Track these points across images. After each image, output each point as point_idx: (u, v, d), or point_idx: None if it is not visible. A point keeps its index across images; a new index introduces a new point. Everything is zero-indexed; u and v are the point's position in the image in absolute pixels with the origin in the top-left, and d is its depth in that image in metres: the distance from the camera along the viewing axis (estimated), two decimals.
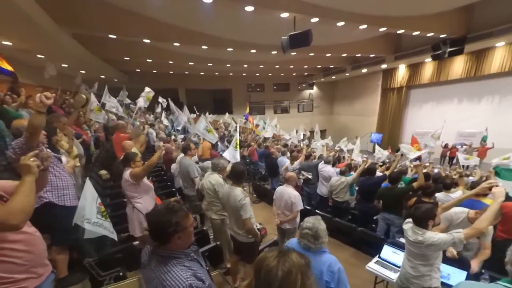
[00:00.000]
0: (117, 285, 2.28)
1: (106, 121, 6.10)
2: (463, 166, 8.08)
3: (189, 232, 1.31)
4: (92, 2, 7.32)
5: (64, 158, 2.69)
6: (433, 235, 2.04)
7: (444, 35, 10.48)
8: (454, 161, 10.69)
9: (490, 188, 2.53)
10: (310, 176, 5.13)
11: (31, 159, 1.34)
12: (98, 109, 5.93)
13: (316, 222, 1.82)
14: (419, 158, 8.04)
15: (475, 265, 2.68)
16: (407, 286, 2.20)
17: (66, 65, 10.07)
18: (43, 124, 1.92)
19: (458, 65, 12.42)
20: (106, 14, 7.83)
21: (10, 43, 6.89)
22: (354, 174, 4.83)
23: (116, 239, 2.59)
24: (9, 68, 5.25)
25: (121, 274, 2.39)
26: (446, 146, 11.84)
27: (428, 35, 10.36)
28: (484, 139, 10.58)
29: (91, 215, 2.39)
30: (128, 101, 9.98)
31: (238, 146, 4.60)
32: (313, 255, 1.70)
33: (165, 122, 8.87)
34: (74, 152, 3.42)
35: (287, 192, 3.32)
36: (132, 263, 2.59)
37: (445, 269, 2.50)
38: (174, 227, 1.22)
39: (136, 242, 2.82)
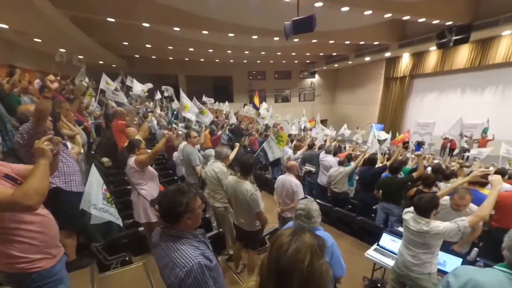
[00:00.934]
0: (123, 269, 2.37)
1: (91, 105, 6.00)
2: (462, 157, 8.12)
3: (198, 214, 1.37)
4: None
5: (69, 145, 2.70)
6: (439, 224, 2.07)
7: (450, 22, 10.24)
8: (454, 152, 10.72)
9: (482, 176, 2.59)
10: (313, 169, 5.15)
11: (45, 143, 1.37)
12: (89, 94, 5.93)
13: (308, 203, 1.92)
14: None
15: (461, 247, 2.74)
16: (406, 273, 2.25)
17: (63, 50, 9.86)
18: (49, 109, 1.94)
19: (463, 54, 12.22)
20: None
21: (6, 26, 6.73)
22: (352, 164, 4.86)
23: (121, 225, 2.65)
24: None
25: (127, 258, 2.47)
26: (446, 138, 11.84)
27: (434, 22, 10.14)
28: (485, 131, 10.55)
29: (97, 201, 2.45)
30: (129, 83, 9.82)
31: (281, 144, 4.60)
32: None
33: (158, 110, 8.82)
34: (79, 139, 3.43)
35: (289, 181, 3.36)
36: (137, 248, 2.68)
37: (441, 256, 2.57)
38: (184, 207, 1.27)
39: (141, 228, 2.88)
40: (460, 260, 2.59)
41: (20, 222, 1.33)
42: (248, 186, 2.60)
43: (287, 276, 0.82)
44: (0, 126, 3.11)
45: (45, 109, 1.88)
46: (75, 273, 2.15)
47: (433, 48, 12.71)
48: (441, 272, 2.49)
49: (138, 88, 8.37)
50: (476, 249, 3.15)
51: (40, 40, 8.55)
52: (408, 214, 2.27)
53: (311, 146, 5.74)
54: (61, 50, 9.30)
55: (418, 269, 2.18)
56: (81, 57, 10.51)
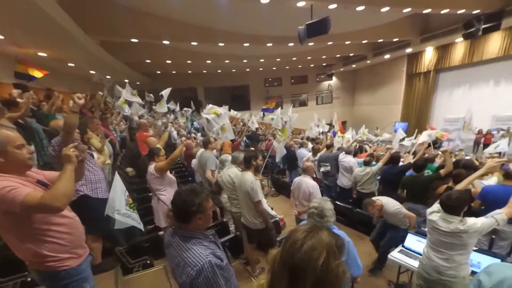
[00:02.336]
0: (145, 272, 2.46)
1: (130, 113, 6.49)
2: (499, 153, 7.41)
3: (209, 215, 1.41)
4: (115, 8, 7.72)
5: (95, 154, 2.91)
6: (475, 221, 1.94)
7: (478, 11, 9.57)
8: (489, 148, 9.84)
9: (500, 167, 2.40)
10: (328, 168, 5.06)
11: (71, 150, 1.50)
12: (123, 102, 6.46)
13: (322, 201, 1.88)
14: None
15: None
16: (437, 278, 2.08)
17: (93, 72, 10.75)
18: (77, 123, 2.12)
19: (494, 43, 11.36)
20: (128, 19, 8.21)
21: (45, 54, 7.51)
22: (379, 164, 4.67)
23: (143, 229, 2.77)
24: (39, 74, 5.69)
25: (148, 262, 2.57)
26: (480, 132, 10.93)
27: (459, 12, 9.53)
28: None
29: (120, 206, 2.59)
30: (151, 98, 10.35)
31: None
32: None
33: (181, 120, 9.16)
34: (106, 150, 3.69)
35: (305, 182, 3.31)
36: (158, 252, 2.77)
37: (476, 257, 2.37)
38: (196, 207, 1.31)
39: (161, 233, 2.99)
40: (499, 261, 2.36)
41: (50, 223, 1.45)
42: (249, 176, 2.67)
43: (300, 274, 0.78)
44: (38, 143, 3.48)
45: (73, 122, 2.07)
46: (101, 276, 2.28)
47: (459, 39, 11.94)
48: (475, 274, 2.29)
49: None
50: None
51: (73, 65, 9.40)
52: (434, 214, 2.10)
53: (329, 146, 5.63)
54: (91, 72, 10.17)
55: (454, 272, 2.01)
56: (109, 77, 11.38)
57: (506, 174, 3.07)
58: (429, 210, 2.20)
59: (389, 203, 3.03)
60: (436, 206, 2.16)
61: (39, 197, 1.30)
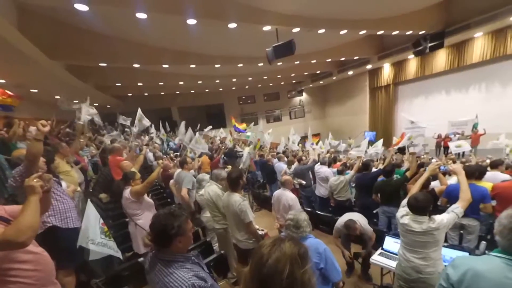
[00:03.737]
0: None
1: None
2: (458, 154, 8.21)
3: (189, 236, 1.38)
4: (82, 33, 7.56)
5: (64, 183, 2.75)
6: (442, 217, 2.10)
7: (423, 32, 10.89)
8: (449, 150, 10.82)
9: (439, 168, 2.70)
10: (303, 182, 5.23)
11: (35, 180, 1.42)
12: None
13: (297, 213, 1.99)
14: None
15: None
16: (417, 277, 2.18)
17: (58, 97, 10.21)
18: (41, 151, 2.00)
19: (441, 58, 12.82)
20: (96, 43, 8.07)
21: (4, 81, 7.05)
22: (351, 172, 4.92)
23: (121, 257, 2.62)
24: (16, 102, 5.31)
25: None
26: (439, 136, 12.04)
27: (408, 33, 10.77)
28: (475, 126, 10.79)
29: (95, 236, 2.44)
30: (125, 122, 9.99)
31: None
32: None
33: (157, 141, 8.97)
34: (75, 177, 3.49)
35: (285, 196, 3.39)
36: (139, 280, 2.60)
37: (448, 252, 2.54)
38: (176, 229, 1.28)
39: (141, 259, 2.83)
40: (467, 255, 2.56)
41: (14, 261, 1.33)
42: (236, 197, 2.67)
43: (268, 286, 0.82)
44: (0, 174, 3.19)
45: (37, 151, 1.95)
46: None
47: (411, 56, 13.35)
48: None
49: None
50: (484, 242, 3.12)
51: (36, 90, 8.89)
52: (405, 217, 2.24)
53: (299, 160, 5.84)
54: (57, 97, 9.66)
55: (432, 269, 2.13)
56: (76, 101, 10.83)
57: (466, 173, 3.35)
58: (398, 214, 2.34)
59: (363, 222, 3.24)
60: (404, 209, 2.31)
61: (0, 233, 1.21)
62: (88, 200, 2.63)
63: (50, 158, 2.79)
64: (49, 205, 1.89)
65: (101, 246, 2.45)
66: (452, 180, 4.11)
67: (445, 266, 2.37)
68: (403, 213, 2.28)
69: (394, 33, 10.42)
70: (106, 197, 4.36)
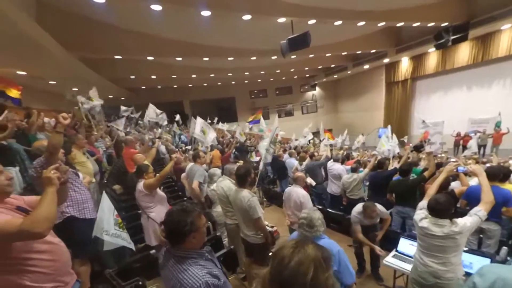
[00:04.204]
0: None
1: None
2: (482, 153, 7.83)
3: (203, 232, 1.38)
4: (97, 26, 7.68)
5: (80, 174, 2.81)
6: (465, 221, 2.00)
7: (446, 23, 10.34)
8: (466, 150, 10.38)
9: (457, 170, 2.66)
10: (313, 183, 5.14)
11: (52, 172, 1.43)
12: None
13: (310, 212, 1.90)
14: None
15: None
16: (434, 282, 2.09)
17: (76, 89, 10.50)
18: (61, 143, 2.04)
19: (464, 52, 12.17)
20: (110, 36, 8.19)
21: (25, 73, 7.29)
22: (365, 170, 4.79)
23: (134, 249, 2.67)
24: (17, 95, 5.39)
25: (140, 283, 2.45)
26: (458, 134, 11.53)
27: (429, 25, 10.26)
28: (498, 125, 10.26)
29: (109, 227, 2.49)
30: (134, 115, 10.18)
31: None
32: None
33: (167, 136, 9.05)
34: (90, 168, 3.57)
35: (296, 192, 3.34)
36: (150, 272, 2.66)
37: (467, 257, 2.44)
38: (189, 226, 1.27)
39: (153, 251, 2.89)
40: (488, 260, 2.45)
41: (32, 251, 1.35)
42: (245, 193, 2.64)
43: None
44: (20, 164, 3.32)
45: (57, 143, 1.99)
46: None
47: (431, 49, 12.75)
48: (468, 275, 2.35)
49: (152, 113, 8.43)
50: (505, 248, 2.97)
51: (54, 82, 9.16)
52: (424, 221, 2.14)
53: (311, 156, 5.73)
54: (74, 89, 9.94)
55: (452, 275, 2.04)
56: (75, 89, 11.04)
57: (489, 175, 3.20)
58: (416, 217, 2.23)
59: (380, 207, 3.17)
60: (422, 212, 2.20)
61: (18, 223, 1.23)
62: (104, 192, 2.68)
63: (67, 149, 2.86)
64: (66, 196, 1.93)
65: (115, 237, 2.50)
66: (473, 181, 3.92)
67: (465, 271, 2.31)
68: (421, 216, 2.18)
69: (415, 25, 9.93)
70: (120, 188, 4.46)
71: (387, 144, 6.79)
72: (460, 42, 10.66)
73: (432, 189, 2.48)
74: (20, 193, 3.07)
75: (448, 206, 2.05)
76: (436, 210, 2.07)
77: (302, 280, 0.77)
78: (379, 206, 3.14)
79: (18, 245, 1.30)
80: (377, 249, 3.03)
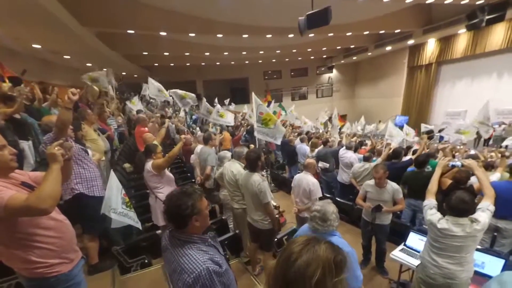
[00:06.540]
0: (143, 272, 2.42)
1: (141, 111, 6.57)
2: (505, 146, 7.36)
3: (205, 215, 1.34)
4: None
5: (90, 151, 2.84)
6: (484, 218, 1.89)
7: (482, 1, 9.36)
8: (491, 142, 9.79)
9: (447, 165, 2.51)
10: (327, 166, 4.99)
11: (56, 148, 1.42)
12: (133, 102, 6.65)
13: (325, 204, 1.78)
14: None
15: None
16: (444, 282, 2.00)
17: (90, 64, 10.56)
18: (70, 119, 2.03)
19: (498, 34, 11.16)
20: (124, 10, 8.02)
21: (40, 46, 7.34)
22: (378, 159, 4.60)
23: (140, 228, 2.72)
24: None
25: (146, 261, 2.53)
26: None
27: (463, 2, 9.32)
28: None
29: (117, 205, 2.53)
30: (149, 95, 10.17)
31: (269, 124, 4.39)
32: None
33: (182, 114, 9.03)
34: (101, 146, 3.61)
35: (306, 179, 3.25)
36: (156, 251, 2.73)
37: (479, 256, 2.33)
38: (190, 209, 1.24)
39: (159, 231, 2.95)
40: (502, 261, 2.33)
41: (38, 227, 1.38)
42: (256, 177, 2.62)
43: None
44: (34, 138, 3.40)
45: (66, 119, 1.98)
46: (98, 276, 2.25)
47: (462, 30, 11.72)
48: (479, 275, 2.25)
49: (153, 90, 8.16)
50: None
51: (69, 57, 9.22)
52: (443, 221, 1.99)
53: (325, 142, 5.54)
54: (88, 64, 9.96)
55: (466, 274, 1.96)
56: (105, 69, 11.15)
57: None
58: (432, 218, 2.07)
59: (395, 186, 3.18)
60: (435, 212, 2.08)
61: (23, 199, 1.23)
62: (111, 170, 2.70)
63: (77, 125, 2.88)
64: (70, 173, 1.93)
65: (122, 215, 2.55)
66: (494, 177, 3.70)
67: (481, 272, 2.21)
68: (438, 216, 2.04)
69: (447, 2, 9.04)
70: (130, 166, 4.54)
71: (402, 135, 6.47)
72: (495, 22, 9.66)
73: (432, 185, 2.37)
74: (35, 167, 3.17)
75: (473, 205, 1.94)
76: (459, 210, 1.94)
77: (306, 282, 0.72)
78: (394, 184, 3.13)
79: (24, 220, 1.33)
80: (366, 206, 3.07)
